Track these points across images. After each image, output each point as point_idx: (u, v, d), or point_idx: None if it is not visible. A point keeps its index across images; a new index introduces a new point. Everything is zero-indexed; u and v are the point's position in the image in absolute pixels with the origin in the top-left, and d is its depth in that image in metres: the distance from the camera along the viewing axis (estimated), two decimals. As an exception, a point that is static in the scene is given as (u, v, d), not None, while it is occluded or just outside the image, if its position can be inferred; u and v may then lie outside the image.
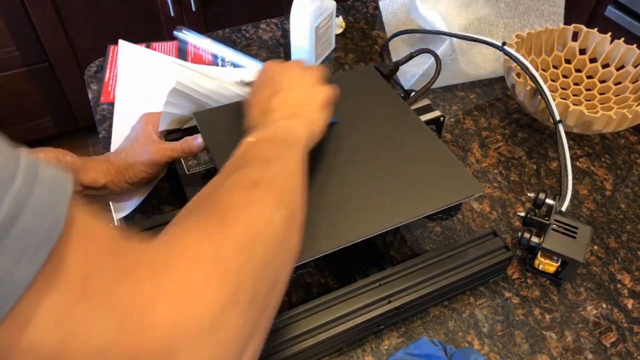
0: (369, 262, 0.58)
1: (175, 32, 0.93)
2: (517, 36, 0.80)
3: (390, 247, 0.64)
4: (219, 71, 0.87)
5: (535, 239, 0.59)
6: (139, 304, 0.25)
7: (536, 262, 0.60)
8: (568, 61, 0.85)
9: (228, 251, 0.30)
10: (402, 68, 0.82)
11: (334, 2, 0.87)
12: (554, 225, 0.59)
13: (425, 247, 0.64)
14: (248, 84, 0.59)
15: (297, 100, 0.51)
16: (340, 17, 0.99)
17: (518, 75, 0.76)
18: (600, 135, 0.80)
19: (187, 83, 0.59)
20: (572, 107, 0.69)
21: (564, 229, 0.59)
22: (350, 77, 0.70)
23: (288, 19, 0.86)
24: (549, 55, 0.85)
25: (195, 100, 0.62)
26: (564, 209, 0.62)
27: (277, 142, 0.45)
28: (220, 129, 0.61)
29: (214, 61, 0.89)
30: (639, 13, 1.27)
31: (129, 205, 0.63)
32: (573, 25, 0.83)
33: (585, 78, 0.84)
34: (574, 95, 0.84)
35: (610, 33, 0.81)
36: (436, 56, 0.72)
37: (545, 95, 0.70)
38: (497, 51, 0.77)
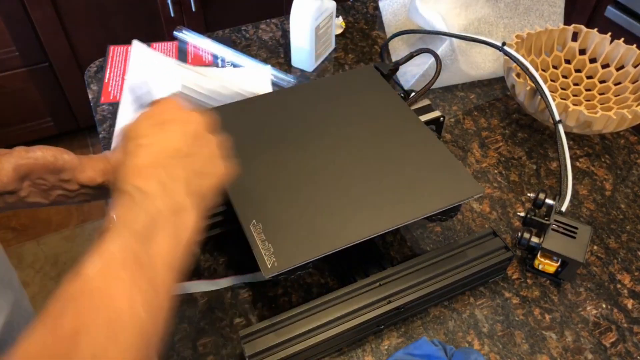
0: (369, 262, 0.58)
1: (175, 33, 0.93)
2: (517, 36, 0.80)
3: (390, 247, 0.64)
4: (219, 72, 0.87)
5: (535, 239, 0.59)
6: None
7: (536, 262, 0.60)
8: (568, 61, 0.85)
9: None
10: (402, 68, 0.82)
11: (334, 3, 0.87)
12: (554, 226, 0.59)
13: (425, 247, 0.64)
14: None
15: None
16: (340, 18, 0.99)
17: (518, 75, 0.76)
18: (600, 135, 0.80)
19: (191, 85, 0.59)
20: (571, 107, 0.69)
21: (564, 229, 0.59)
22: (350, 77, 0.70)
23: (288, 19, 0.86)
24: (548, 55, 0.85)
25: (198, 101, 0.62)
26: (563, 209, 0.62)
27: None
28: (219, 128, 0.61)
29: (214, 61, 0.89)
30: (639, 13, 1.27)
31: None
32: (573, 25, 0.83)
33: (585, 78, 0.84)
34: (573, 95, 0.84)
35: (610, 33, 0.81)
36: (436, 56, 0.72)
37: (545, 95, 0.70)
38: (497, 51, 0.77)
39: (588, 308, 0.59)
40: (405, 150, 0.58)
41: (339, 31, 0.97)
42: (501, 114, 0.83)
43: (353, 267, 0.57)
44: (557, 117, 0.69)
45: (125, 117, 0.76)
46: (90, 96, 0.83)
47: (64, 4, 1.50)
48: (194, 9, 1.63)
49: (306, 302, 0.51)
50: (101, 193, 0.58)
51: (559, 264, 0.59)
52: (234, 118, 0.63)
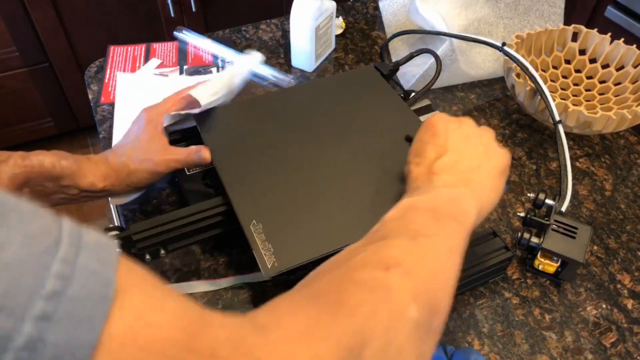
0: (369, 263, 0.58)
1: (175, 33, 0.93)
2: (517, 37, 0.80)
3: (390, 248, 0.63)
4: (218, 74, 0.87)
5: (535, 239, 0.59)
6: None
7: (536, 262, 0.60)
8: (568, 62, 0.85)
9: (329, 354, 0.25)
10: (402, 68, 0.82)
11: (334, 3, 0.87)
12: (554, 226, 0.59)
13: (425, 248, 0.64)
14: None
15: (468, 166, 0.43)
16: (340, 18, 0.99)
17: (518, 75, 0.76)
18: (600, 135, 0.80)
19: (208, 99, 0.60)
20: (571, 107, 0.69)
21: (564, 229, 0.59)
22: (351, 78, 0.70)
23: (288, 19, 0.86)
24: (548, 55, 0.85)
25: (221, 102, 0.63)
26: (563, 209, 0.62)
27: (437, 214, 0.37)
28: (220, 129, 0.61)
29: (214, 61, 0.89)
30: (638, 13, 1.27)
31: (128, 198, 0.62)
32: (573, 25, 0.83)
33: (585, 78, 0.84)
34: (573, 95, 0.84)
35: (610, 33, 0.81)
36: (436, 56, 0.72)
37: (545, 95, 0.70)
38: (497, 52, 0.77)
39: (588, 308, 0.59)
40: (406, 150, 0.58)
41: (339, 31, 0.97)
42: (501, 114, 0.83)
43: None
44: (557, 117, 0.69)
45: (121, 120, 0.76)
46: (90, 96, 0.83)
47: (64, 4, 1.50)
48: (194, 9, 1.63)
49: (306, 302, 0.51)
50: (104, 194, 0.57)
51: (559, 264, 0.59)
52: (235, 118, 0.63)
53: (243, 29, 0.97)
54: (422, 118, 0.67)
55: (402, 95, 0.71)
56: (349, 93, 0.66)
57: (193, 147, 0.57)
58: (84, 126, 1.84)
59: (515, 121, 0.82)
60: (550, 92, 0.75)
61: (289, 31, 0.86)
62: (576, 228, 0.59)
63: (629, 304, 0.60)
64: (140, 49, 0.91)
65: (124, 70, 0.86)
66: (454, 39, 0.81)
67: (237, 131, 0.62)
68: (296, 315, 0.27)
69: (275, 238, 0.49)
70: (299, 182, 0.54)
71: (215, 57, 0.90)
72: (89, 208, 1.71)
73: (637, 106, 0.74)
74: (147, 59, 0.89)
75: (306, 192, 0.53)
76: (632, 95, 0.78)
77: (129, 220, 0.65)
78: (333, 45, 0.94)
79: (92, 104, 0.82)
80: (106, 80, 0.85)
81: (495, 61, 0.88)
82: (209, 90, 0.61)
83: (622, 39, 0.81)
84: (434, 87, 0.83)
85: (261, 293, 0.59)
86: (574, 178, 0.73)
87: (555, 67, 0.86)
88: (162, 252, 0.54)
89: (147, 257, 0.54)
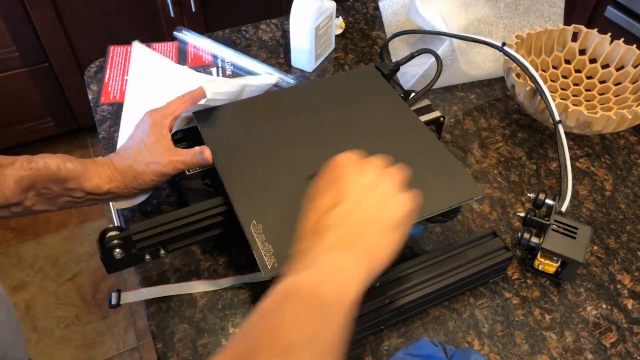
0: (369, 263, 0.58)
1: (175, 33, 0.93)
2: (517, 37, 0.80)
3: (390, 248, 0.63)
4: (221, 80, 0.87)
5: (535, 240, 0.59)
6: None
7: (536, 262, 0.60)
8: (568, 62, 0.85)
9: None
10: (402, 68, 0.82)
11: (334, 3, 0.87)
12: (554, 226, 0.59)
13: (425, 248, 0.64)
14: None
15: (362, 217, 0.41)
16: (340, 18, 0.99)
17: (518, 75, 0.76)
18: (600, 135, 0.80)
19: (214, 95, 0.60)
20: (571, 107, 0.69)
21: (564, 229, 0.59)
22: (351, 77, 0.70)
23: (288, 19, 0.86)
24: (548, 55, 0.85)
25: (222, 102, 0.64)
26: (563, 209, 0.62)
27: (317, 298, 0.35)
28: (220, 128, 0.61)
29: (214, 61, 0.89)
30: (638, 13, 1.27)
31: (132, 202, 0.63)
32: (573, 25, 0.83)
33: (585, 78, 0.84)
34: (573, 95, 0.84)
35: (610, 33, 0.81)
36: (437, 56, 0.72)
37: (545, 95, 0.70)
38: (497, 52, 0.77)
39: (588, 308, 0.59)
40: (405, 150, 0.58)
41: (339, 31, 0.97)
42: (501, 114, 0.83)
43: (353, 268, 0.57)
44: (557, 117, 0.69)
45: (129, 120, 0.76)
46: (90, 96, 0.83)
47: (64, 4, 1.50)
48: (194, 9, 1.63)
49: (306, 303, 0.51)
50: (109, 197, 0.57)
51: (559, 264, 0.59)
52: (235, 118, 0.63)
53: (243, 29, 0.97)
54: (422, 118, 0.67)
55: (402, 95, 0.71)
56: (349, 93, 0.66)
57: (197, 148, 0.58)
58: (83, 126, 1.83)
59: (515, 121, 0.82)
60: (550, 92, 0.75)
61: (289, 31, 0.86)
62: (576, 228, 0.59)
63: (629, 304, 0.60)
64: (140, 49, 0.90)
65: (124, 71, 0.86)
66: (454, 39, 0.81)
67: (238, 131, 0.62)
68: None
69: (275, 238, 0.49)
70: (299, 183, 0.54)
71: (215, 57, 0.90)
72: (89, 208, 1.71)
73: (637, 106, 0.74)
74: (147, 59, 0.89)
75: (306, 193, 0.53)
76: (632, 95, 0.78)
77: (128, 220, 0.65)
78: (333, 45, 0.94)
79: (92, 104, 0.82)
80: (106, 80, 0.85)
81: (495, 61, 0.88)
82: (219, 88, 0.61)
83: (622, 39, 0.81)
84: (434, 87, 0.83)
85: (261, 293, 0.58)
86: (574, 178, 0.73)
87: (555, 67, 0.86)
88: (162, 252, 0.54)
89: (147, 257, 0.54)
